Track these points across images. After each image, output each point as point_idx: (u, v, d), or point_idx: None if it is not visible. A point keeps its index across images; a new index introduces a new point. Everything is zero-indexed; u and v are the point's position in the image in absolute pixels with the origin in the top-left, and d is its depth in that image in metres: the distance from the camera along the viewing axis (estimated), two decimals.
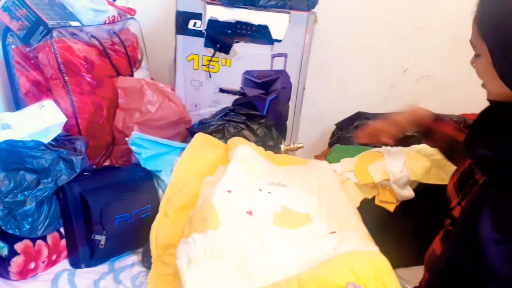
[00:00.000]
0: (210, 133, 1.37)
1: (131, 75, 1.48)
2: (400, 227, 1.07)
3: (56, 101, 1.24)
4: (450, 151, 1.00)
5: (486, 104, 0.81)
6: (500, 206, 0.67)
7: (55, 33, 1.22)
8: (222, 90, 1.56)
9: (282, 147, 1.45)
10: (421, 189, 1.12)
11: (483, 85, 0.78)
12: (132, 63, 1.49)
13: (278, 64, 1.50)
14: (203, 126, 1.39)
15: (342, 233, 0.97)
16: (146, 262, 1.10)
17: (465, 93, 1.70)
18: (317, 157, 1.70)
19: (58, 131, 1.15)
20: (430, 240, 0.89)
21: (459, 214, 0.76)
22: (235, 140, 1.29)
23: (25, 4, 1.20)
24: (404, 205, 1.11)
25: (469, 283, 0.71)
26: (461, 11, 1.61)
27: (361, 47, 1.80)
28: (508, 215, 0.65)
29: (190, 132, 1.39)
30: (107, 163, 1.39)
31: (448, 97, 1.77)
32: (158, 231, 1.10)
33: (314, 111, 1.87)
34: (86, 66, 1.29)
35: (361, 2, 1.72)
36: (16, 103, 1.28)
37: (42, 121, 1.11)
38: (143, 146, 1.21)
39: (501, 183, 0.69)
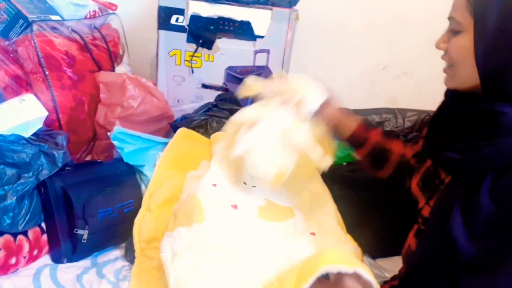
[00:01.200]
0: (193, 128, 1.37)
1: (113, 70, 1.47)
2: (377, 219, 1.09)
3: (36, 96, 1.21)
4: (377, 160, 0.99)
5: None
6: (469, 204, 0.68)
7: (35, 27, 1.20)
8: (204, 86, 1.57)
9: None
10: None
11: (447, 69, 0.75)
12: (114, 58, 1.48)
13: (260, 60, 1.52)
14: (186, 121, 1.39)
15: (321, 238, 0.99)
16: (129, 256, 1.09)
17: (443, 89, 1.75)
18: None
19: (39, 125, 1.14)
20: (406, 231, 0.92)
21: (430, 214, 0.77)
22: (218, 135, 1.30)
23: None
24: (379, 196, 1.13)
25: (443, 276, 0.72)
26: (438, 9, 1.66)
27: (341, 45, 1.83)
28: (477, 213, 0.66)
29: (173, 127, 1.39)
30: (88, 158, 1.38)
31: (426, 93, 1.81)
32: (141, 225, 1.10)
33: None
34: (67, 61, 1.28)
35: (340, 1, 1.76)
36: None
37: (23, 115, 1.09)
38: (125, 141, 1.20)
39: (469, 182, 0.70)
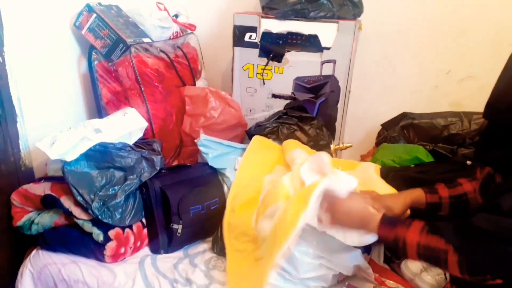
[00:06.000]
0: (266, 135, 1.50)
1: (194, 84, 1.64)
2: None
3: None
4: (458, 208, 1.01)
5: None
6: None
7: (133, 49, 1.38)
8: (274, 96, 1.69)
9: (332, 146, 1.55)
10: None
11: None
12: (194, 73, 1.64)
13: (327, 70, 1.61)
14: (260, 128, 1.52)
15: None
16: (216, 249, 1.23)
17: None
18: (363, 156, 1.79)
19: (140, 134, 1.31)
20: None
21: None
22: (289, 143, 1.40)
23: (107, 25, 1.37)
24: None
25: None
26: (501, 13, 1.67)
27: (403, 51, 1.88)
28: None
29: (248, 134, 1.52)
30: (175, 163, 1.54)
31: None
32: (229, 224, 1.23)
33: (359, 113, 1.96)
34: (158, 77, 1.45)
35: (403, 9, 1.81)
36: (99, 111, 1.45)
37: (127, 125, 1.27)
38: (210, 147, 1.35)
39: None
